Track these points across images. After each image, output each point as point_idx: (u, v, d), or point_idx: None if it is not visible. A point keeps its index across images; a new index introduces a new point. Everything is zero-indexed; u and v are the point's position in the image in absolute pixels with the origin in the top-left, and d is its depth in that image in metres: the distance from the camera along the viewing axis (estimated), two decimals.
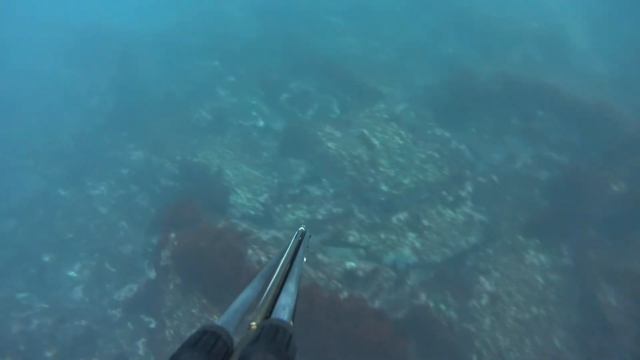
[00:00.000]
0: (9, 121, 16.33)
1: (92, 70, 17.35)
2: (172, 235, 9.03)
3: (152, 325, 9.34)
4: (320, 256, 9.15)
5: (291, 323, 1.53)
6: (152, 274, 10.21)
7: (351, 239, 10.23)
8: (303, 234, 2.57)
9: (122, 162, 13.89)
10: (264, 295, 1.73)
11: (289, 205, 11.37)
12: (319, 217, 10.96)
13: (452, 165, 11.88)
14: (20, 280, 11.28)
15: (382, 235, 10.29)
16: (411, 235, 10.34)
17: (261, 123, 14.51)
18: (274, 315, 1.56)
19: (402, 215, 10.68)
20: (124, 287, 10.47)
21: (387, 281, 9.11)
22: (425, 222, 10.58)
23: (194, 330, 1.35)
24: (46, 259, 11.66)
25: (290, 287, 1.82)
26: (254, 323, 1.48)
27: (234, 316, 1.55)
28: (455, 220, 10.76)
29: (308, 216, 10.97)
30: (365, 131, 12.52)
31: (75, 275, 11.28)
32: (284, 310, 1.59)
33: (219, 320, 1.48)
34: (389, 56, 17.25)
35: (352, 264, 9.04)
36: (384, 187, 11.24)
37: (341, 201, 11.31)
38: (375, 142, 12.25)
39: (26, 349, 8.98)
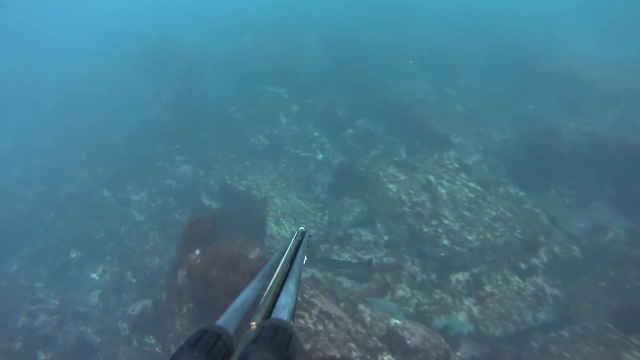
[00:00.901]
0: (75, 118, 16.81)
1: (158, 81, 17.60)
2: (197, 252, 8.07)
3: (158, 349, 8.25)
4: (362, 307, 7.80)
5: (291, 323, 1.49)
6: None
7: (400, 292, 8.78)
8: (303, 233, 2.53)
9: (168, 173, 13.45)
10: (264, 295, 1.69)
11: (336, 247, 10.16)
12: None
13: (524, 228, 10.25)
14: (45, 271, 10.93)
15: (437, 295, 8.77)
16: (470, 300, 8.76)
17: (320, 156, 13.71)
18: (274, 315, 1.53)
19: (462, 276, 9.14)
20: (141, 301, 9.55)
21: (435, 349, 7.55)
22: (488, 287, 8.97)
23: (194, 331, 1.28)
24: (73, 255, 11.21)
25: (291, 287, 1.77)
26: (254, 323, 1.46)
27: (233, 316, 1.52)
28: (524, 290, 9.04)
29: (355, 262, 9.71)
30: (432, 178, 11.24)
31: (96, 278, 10.62)
32: (284, 310, 1.56)
33: (219, 320, 1.43)
34: (465, 106, 16.11)
35: (398, 321, 7.61)
36: (445, 242, 9.78)
37: (395, 251, 9.98)
38: (442, 191, 10.92)
39: (21, 348, 8.13)
